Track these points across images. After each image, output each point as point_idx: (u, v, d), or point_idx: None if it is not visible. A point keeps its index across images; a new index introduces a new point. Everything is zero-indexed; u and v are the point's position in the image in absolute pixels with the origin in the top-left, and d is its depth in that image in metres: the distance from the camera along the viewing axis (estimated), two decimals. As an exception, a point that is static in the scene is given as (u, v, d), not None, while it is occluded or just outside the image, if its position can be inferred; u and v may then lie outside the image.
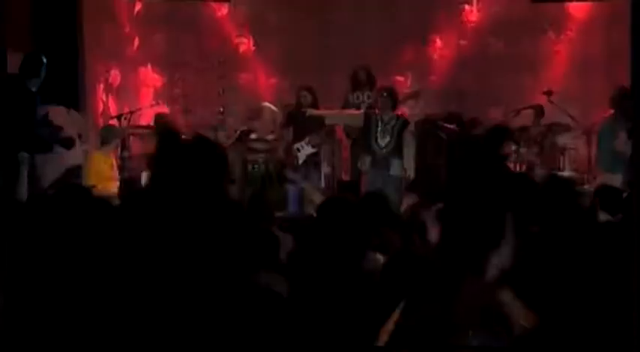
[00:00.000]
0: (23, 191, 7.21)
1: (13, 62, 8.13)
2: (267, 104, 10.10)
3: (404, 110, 9.28)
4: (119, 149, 8.86)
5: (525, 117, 9.82)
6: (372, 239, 3.95)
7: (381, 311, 3.08)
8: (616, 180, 8.02)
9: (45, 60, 7.56)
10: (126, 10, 10.37)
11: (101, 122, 9.69)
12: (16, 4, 8.75)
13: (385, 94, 8.62)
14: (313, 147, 9.17)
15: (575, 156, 9.87)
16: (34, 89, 7.35)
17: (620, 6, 9.68)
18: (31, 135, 7.35)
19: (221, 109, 9.77)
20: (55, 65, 8.57)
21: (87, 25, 9.36)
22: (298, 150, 9.11)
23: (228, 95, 10.04)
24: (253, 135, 9.65)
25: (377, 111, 8.76)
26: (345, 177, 10.01)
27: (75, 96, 9.05)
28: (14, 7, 8.71)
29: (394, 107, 8.62)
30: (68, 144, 7.91)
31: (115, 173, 8.35)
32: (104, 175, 8.09)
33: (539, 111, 9.76)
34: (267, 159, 9.37)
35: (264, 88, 11.02)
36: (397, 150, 8.69)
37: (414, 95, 9.69)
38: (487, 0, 10.90)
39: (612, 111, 9.01)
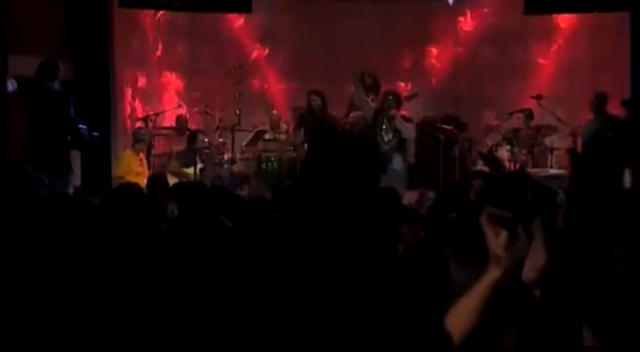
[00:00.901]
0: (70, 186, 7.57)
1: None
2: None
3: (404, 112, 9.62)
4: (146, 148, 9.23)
5: (516, 120, 10.19)
6: (387, 232, 4.19)
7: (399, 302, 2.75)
8: None
9: (59, 65, 7.73)
10: (151, 20, 10.64)
11: (129, 123, 10.03)
12: (53, 16, 9.26)
13: (391, 97, 9.15)
14: None
15: (564, 156, 10.07)
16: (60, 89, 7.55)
17: (604, 18, 10.33)
18: (71, 131, 7.64)
19: (237, 111, 9.96)
20: (89, 71, 9.22)
21: (117, 35, 9.73)
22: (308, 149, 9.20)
23: (243, 98, 10.35)
24: (267, 136, 9.94)
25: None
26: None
27: (107, 100, 9.48)
28: (51, 19, 9.28)
29: (398, 108, 9.13)
30: (99, 140, 8.21)
31: (144, 169, 8.79)
32: (134, 171, 8.60)
33: (528, 114, 10.13)
34: (280, 156, 9.64)
35: (276, 92, 11.35)
36: (399, 146, 9.14)
37: (414, 96, 9.99)
38: (480, 12, 11.17)
39: (593, 114, 9.54)
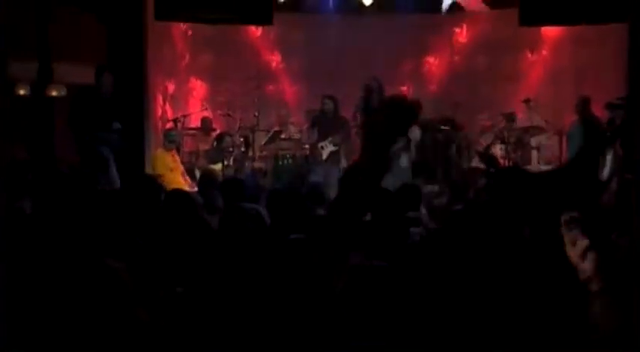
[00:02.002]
0: (115, 180, 8.15)
1: (87, 75, 8.97)
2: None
3: None
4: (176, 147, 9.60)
5: (499, 122, 10.61)
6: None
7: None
8: None
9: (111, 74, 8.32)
10: (179, 32, 11.03)
11: (160, 124, 10.39)
12: (93, 29, 9.66)
13: None
14: (335, 145, 9.73)
15: (550, 153, 10.56)
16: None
17: (586, 30, 10.62)
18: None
19: (256, 114, 10.54)
20: (125, 78, 9.36)
21: (150, 47, 9.93)
22: (322, 148, 9.73)
23: (261, 102, 10.77)
24: (283, 135, 10.44)
25: None
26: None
27: (141, 103, 9.73)
28: (93, 32, 9.67)
29: None
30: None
31: (177, 165, 9.23)
32: (168, 167, 9.01)
33: (510, 117, 10.51)
34: (294, 155, 10.13)
35: (290, 96, 11.75)
36: (406, 146, 8.94)
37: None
38: (474, 24, 11.55)
39: (577, 116, 9.89)
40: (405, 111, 8.08)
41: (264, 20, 9.86)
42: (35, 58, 8.77)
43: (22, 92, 8.91)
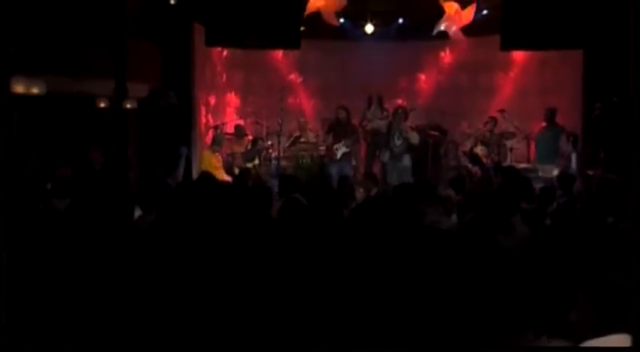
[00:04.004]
0: (179, 176, 9.19)
1: (144, 91, 9.97)
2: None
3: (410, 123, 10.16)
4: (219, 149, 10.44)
5: (483, 126, 11.14)
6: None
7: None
8: (548, 169, 9.64)
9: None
10: (218, 56, 11.88)
11: (204, 131, 11.20)
12: (150, 54, 10.27)
13: (400, 111, 10.23)
14: (347, 147, 10.37)
15: (520, 154, 11.06)
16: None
17: (548, 54, 11.33)
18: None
19: (280, 121, 11.05)
20: (177, 94, 10.36)
21: (197, 68, 10.79)
22: (337, 149, 10.36)
23: (284, 112, 11.25)
24: (302, 139, 11.30)
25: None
26: (362, 167, 10.90)
27: (189, 114, 10.66)
28: (151, 56, 10.32)
29: (406, 119, 10.20)
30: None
31: (220, 164, 10.08)
32: (213, 166, 9.72)
33: (492, 122, 11.18)
34: (311, 155, 10.93)
35: (307, 107, 12.59)
36: (407, 148, 9.96)
37: (412, 109, 10.76)
38: (456, 49, 12.30)
39: (544, 123, 10.65)
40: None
41: (293, 45, 10.69)
42: (112, 77, 9.31)
43: (102, 105, 9.73)
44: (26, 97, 8.52)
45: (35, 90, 8.00)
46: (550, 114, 10.65)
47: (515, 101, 11.82)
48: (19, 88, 7.89)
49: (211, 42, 10.58)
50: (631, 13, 2.39)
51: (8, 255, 2.61)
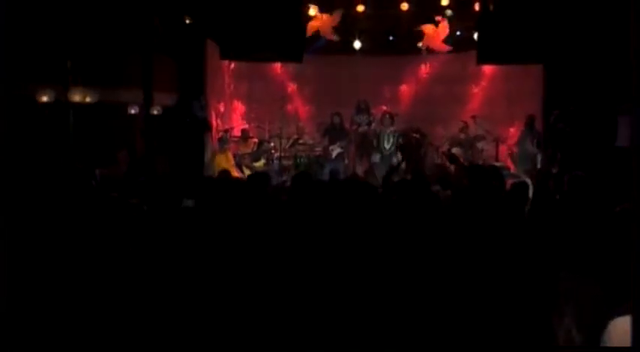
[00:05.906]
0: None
1: (164, 99, 10.91)
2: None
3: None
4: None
5: (456, 129, 11.81)
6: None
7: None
8: (526, 171, 10.39)
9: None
10: (227, 68, 12.55)
11: (215, 134, 11.72)
12: (167, 65, 11.16)
13: (388, 116, 11.13)
14: (341, 148, 11.27)
15: (489, 155, 11.67)
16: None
17: (514, 68, 11.95)
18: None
19: (280, 125, 11.96)
20: (191, 102, 11.16)
21: (209, 78, 11.38)
22: (332, 150, 11.27)
23: (283, 117, 12.13)
24: (300, 141, 12.06)
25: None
26: (353, 166, 11.49)
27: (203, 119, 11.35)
28: (168, 68, 11.26)
29: (393, 124, 11.09)
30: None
31: (231, 164, 10.84)
32: (225, 165, 10.13)
33: (466, 128, 11.89)
34: (308, 155, 11.70)
35: (304, 113, 13.19)
36: (396, 150, 10.88)
37: (396, 115, 11.52)
38: (434, 63, 13.06)
39: (524, 128, 11.27)
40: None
41: (296, 58, 11.54)
42: (141, 87, 10.71)
43: (132, 112, 10.73)
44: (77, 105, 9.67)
45: (88, 100, 9.08)
46: (529, 120, 11.33)
47: (485, 108, 12.54)
48: (76, 97, 9.07)
49: (226, 56, 11.49)
50: (631, 13, 2.37)
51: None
